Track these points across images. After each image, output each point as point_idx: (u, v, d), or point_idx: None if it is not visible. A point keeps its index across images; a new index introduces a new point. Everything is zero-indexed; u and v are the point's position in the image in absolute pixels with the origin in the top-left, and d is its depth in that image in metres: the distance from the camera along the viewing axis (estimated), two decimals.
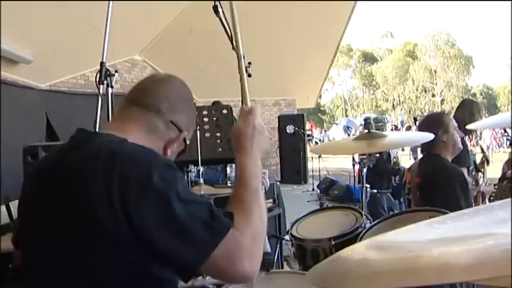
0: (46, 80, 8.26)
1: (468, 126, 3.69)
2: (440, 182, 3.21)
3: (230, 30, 2.60)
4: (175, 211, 1.22)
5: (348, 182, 11.26)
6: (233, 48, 2.86)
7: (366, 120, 2.70)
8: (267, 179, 6.27)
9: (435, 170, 3.34)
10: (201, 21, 10.55)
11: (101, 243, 1.23)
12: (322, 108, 53.05)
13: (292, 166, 14.50)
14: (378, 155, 2.72)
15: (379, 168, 3.08)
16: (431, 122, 3.40)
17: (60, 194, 1.31)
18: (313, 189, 12.82)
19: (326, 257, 2.37)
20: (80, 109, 8.26)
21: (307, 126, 18.75)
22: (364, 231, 2.31)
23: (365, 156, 2.79)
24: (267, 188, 6.20)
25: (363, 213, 2.52)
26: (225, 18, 2.49)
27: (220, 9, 2.38)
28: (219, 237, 1.25)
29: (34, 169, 1.53)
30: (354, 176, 10.82)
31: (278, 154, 14.79)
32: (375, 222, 2.37)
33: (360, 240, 2.23)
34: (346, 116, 47.12)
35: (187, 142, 1.62)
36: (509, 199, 0.96)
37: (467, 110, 4.45)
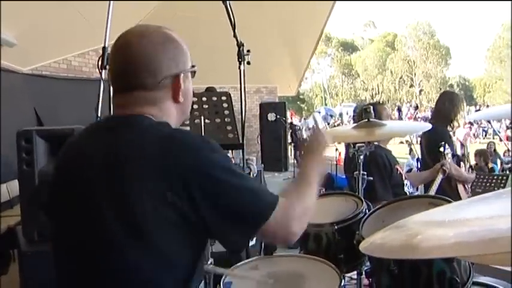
0: (28, 64, 8.15)
1: (469, 117, 3.81)
2: (367, 175, 3.29)
3: (234, 19, 2.62)
4: (234, 184, 1.37)
5: (329, 170, 11.35)
6: (234, 35, 2.89)
7: (366, 109, 2.71)
8: (255, 166, 6.37)
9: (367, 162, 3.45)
10: (185, 7, 10.56)
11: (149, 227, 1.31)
12: (301, 97, 53.10)
13: (274, 153, 14.54)
14: (376, 142, 2.77)
15: (374, 154, 3.15)
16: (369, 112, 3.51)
17: (115, 177, 1.35)
18: (294, 177, 12.85)
19: (328, 241, 2.45)
20: (64, 94, 8.22)
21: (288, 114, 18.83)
22: (365, 217, 2.36)
23: (362, 144, 2.84)
24: (254, 175, 6.29)
25: (362, 199, 2.57)
26: (230, 6, 2.52)
27: None
28: (273, 206, 1.41)
29: (67, 154, 1.55)
30: (336, 164, 10.96)
31: (259, 141, 14.82)
32: (375, 208, 2.43)
33: (361, 225, 2.29)
34: (326, 104, 47.32)
35: (193, 69, 1.59)
36: None
37: (448, 101, 4.54)
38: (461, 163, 4.37)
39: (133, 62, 1.45)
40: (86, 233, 1.36)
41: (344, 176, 9.23)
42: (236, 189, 1.37)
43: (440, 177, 3.75)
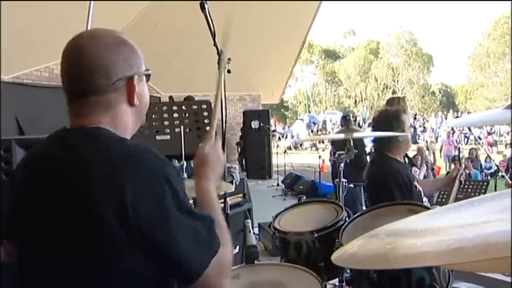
0: (9, 72, 8.08)
1: (451, 124, 3.79)
2: (380, 185, 3.24)
3: (213, 28, 2.63)
4: (181, 222, 1.29)
5: (313, 177, 11.39)
6: (214, 44, 2.89)
7: (346, 117, 2.74)
8: (237, 174, 6.34)
9: (378, 172, 3.37)
10: (166, 16, 10.56)
11: (102, 247, 1.26)
12: (285, 104, 53.23)
13: (257, 161, 14.55)
14: (356, 150, 2.77)
15: (356, 162, 3.13)
16: (390, 120, 3.40)
17: (60, 194, 1.31)
18: (278, 185, 12.91)
19: (309, 249, 2.46)
20: (46, 102, 8.13)
21: (271, 121, 18.88)
22: (345, 224, 2.37)
23: (343, 152, 2.85)
24: (237, 183, 6.27)
25: (342, 207, 2.58)
26: (210, 15, 2.52)
27: (206, 6, 2.40)
28: (214, 252, 1.34)
29: (23, 164, 1.50)
30: (320, 171, 11.01)
31: (238, 150, 14.85)
32: (355, 215, 2.44)
33: (341, 233, 2.30)
34: (309, 112, 47.47)
35: (147, 72, 1.53)
36: (500, 192, 1.04)
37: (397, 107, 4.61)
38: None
39: (84, 64, 1.39)
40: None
41: (328, 184, 9.32)
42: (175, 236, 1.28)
43: (457, 184, 3.68)
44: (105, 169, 1.28)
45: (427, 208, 2.27)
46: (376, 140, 3.55)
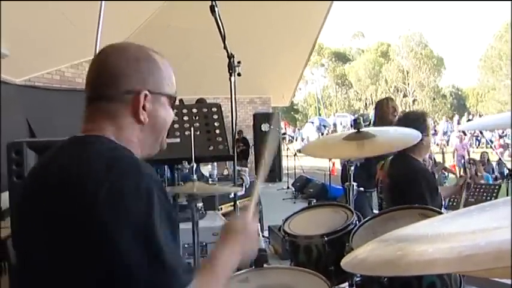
0: (21, 75, 8.14)
1: (461, 127, 3.79)
2: (409, 185, 3.23)
3: (223, 30, 2.63)
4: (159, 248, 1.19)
5: (323, 180, 11.37)
6: (224, 47, 2.90)
7: (356, 120, 2.71)
8: (248, 177, 6.35)
9: (406, 171, 3.37)
10: (178, 18, 10.59)
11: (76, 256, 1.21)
12: (295, 107, 53.24)
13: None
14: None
15: (366, 166, 3.11)
16: (417, 120, 3.40)
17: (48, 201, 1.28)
18: (288, 188, 12.92)
19: (319, 252, 2.44)
20: (57, 105, 8.18)
21: (282, 124, 18.90)
22: (355, 228, 2.36)
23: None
24: (247, 186, 6.27)
25: (353, 210, 2.57)
26: (220, 18, 2.52)
27: (216, 9, 2.40)
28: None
29: (28, 173, 1.49)
30: (330, 174, 10.98)
31: (253, 152, 14.83)
32: (365, 219, 2.43)
33: (351, 237, 2.28)
34: (320, 114, 47.43)
35: (166, 93, 1.48)
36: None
37: (389, 108, 4.66)
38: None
39: (102, 71, 1.40)
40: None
41: (338, 187, 9.29)
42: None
43: (465, 193, 3.68)
44: (86, 175, 1.23)
45: (439, 212, 2.25)
46: None
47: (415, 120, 3.40)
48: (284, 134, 21.87)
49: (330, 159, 11.17)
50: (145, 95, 1.41)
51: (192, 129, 2.54)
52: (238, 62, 2.99)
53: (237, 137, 14.19)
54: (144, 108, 1.41)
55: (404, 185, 3.31)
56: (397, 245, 0.85)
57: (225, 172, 9.33)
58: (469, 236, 0.79)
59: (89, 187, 1.20)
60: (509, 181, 7.35)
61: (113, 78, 1.39)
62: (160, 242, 1.19)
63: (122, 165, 1.26)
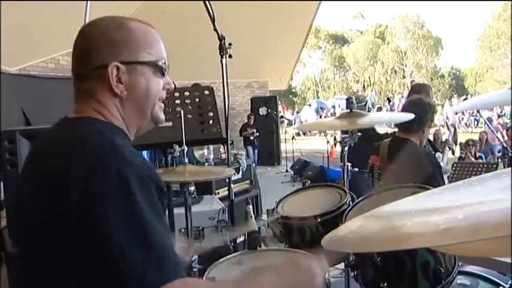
0: (15, 64, 8.10)
1: (455, 108, 3.79)
2: (420, 167, 3.23)
3: (213, 12, 2.60)
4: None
5: (322, 163, 11.38)
6: (214, 29, 2.86)
7: (348, 99, 2.70)
8: (244, 160, 6.36)
9: (414, 153, 3.37)
10: (172, 4, 10.50)
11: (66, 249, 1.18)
12: (293, 90, 53.08)
13: (266, 148, 14.57)
14: (359, 133, 2.72)
15: (361, 146, 3.08)
16: (423, 107, 3.45)
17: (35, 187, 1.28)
18: (286, 171, 12.94)
19: (312, 234, 2.43)
20: (52, 93, 8.13)
21: (279, 108, 18.87)
22: (349, 208, 2.35)
23: (347, 135, 2.81)
24: (244, 169, 6.29)
25: (346, 191, 2.55)
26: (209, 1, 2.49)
27: None
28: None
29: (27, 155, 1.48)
30: (328, 157, 10.98)
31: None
32: (359, 199, 2.41)
33: (345, 217, 2.27)
34: (318, 97, 47.33)
35: (145, 60, 1.40)
36: (501, 170, 1.01)
37: (423, 93, 4.57)
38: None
39: (75, 50, 1.38)
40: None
41: (337, 169, 9.29)
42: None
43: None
44: (66, 165, 1.20)
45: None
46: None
47: (422, 105, 3.48)
48: (282, 117, 21.84)
49: (328, 142, 11.15)
50: (117, 67, 1.35)
51: (182, 112, 2.52)
52: (230, 44, 2.96)
53: (247, 121, 14.17)
54: (120, 81, 1.36)
55: (414, 163, 3.30)
56: (377, 221, 0.83)
57: (224, 156, 9.34)
58: (454, 211, 0.77)
59: (70, 179, 1.16)
60: (506, 159, 7.34)
61: (84, 55, 1.37)
62: (149, 229, 1.16)
63: (102, 151, 1.22)
